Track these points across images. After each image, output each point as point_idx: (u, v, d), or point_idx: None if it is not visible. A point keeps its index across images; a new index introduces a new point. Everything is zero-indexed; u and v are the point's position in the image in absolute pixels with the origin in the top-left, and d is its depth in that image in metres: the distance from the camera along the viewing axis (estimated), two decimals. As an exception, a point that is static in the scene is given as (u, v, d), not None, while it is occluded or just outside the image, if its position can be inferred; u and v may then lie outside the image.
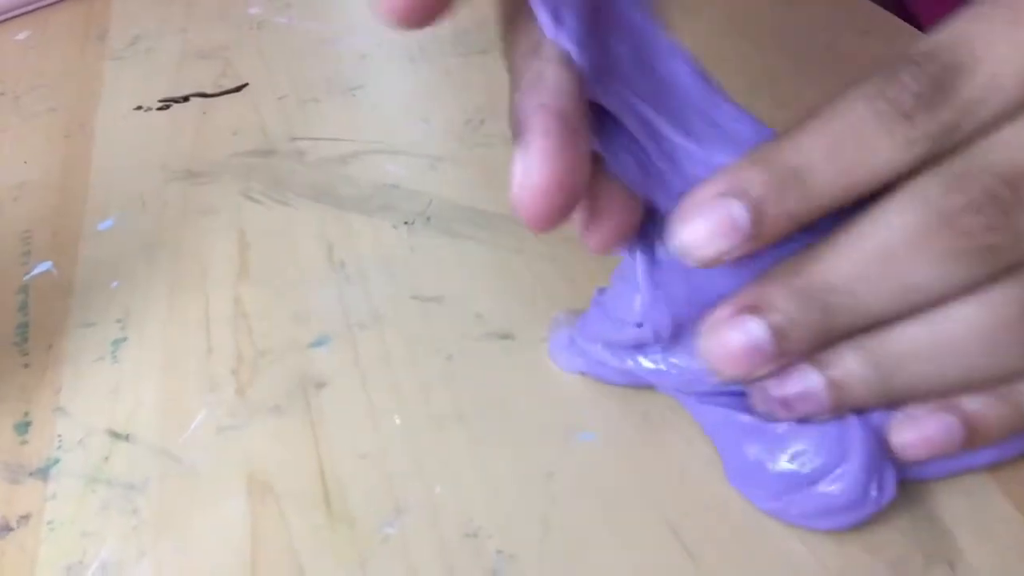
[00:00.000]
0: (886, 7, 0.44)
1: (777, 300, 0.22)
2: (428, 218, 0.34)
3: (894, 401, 0.23)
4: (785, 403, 0.23)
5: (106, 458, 0.27)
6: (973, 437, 0.22)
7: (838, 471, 0.23)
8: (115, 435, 0.27)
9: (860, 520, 0.23)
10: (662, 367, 0.25)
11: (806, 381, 0.23)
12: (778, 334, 0.22)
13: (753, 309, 0.22)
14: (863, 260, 0.21)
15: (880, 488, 0.23)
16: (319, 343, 0.29)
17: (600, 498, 0.24)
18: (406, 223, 0.34)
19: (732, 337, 0.22)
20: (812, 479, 0.23)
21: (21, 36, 0.48)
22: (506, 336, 0.29)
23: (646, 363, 0.26)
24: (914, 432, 0.23)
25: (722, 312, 0.22)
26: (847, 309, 0.21)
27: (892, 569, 0.22)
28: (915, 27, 0.42)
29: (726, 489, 0.24)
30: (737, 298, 0.22)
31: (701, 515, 0.24)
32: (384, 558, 0.23)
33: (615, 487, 0.25)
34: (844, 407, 0.23)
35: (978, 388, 0.22)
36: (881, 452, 0.23)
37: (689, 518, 0.24)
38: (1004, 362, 0.21)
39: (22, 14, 0.50)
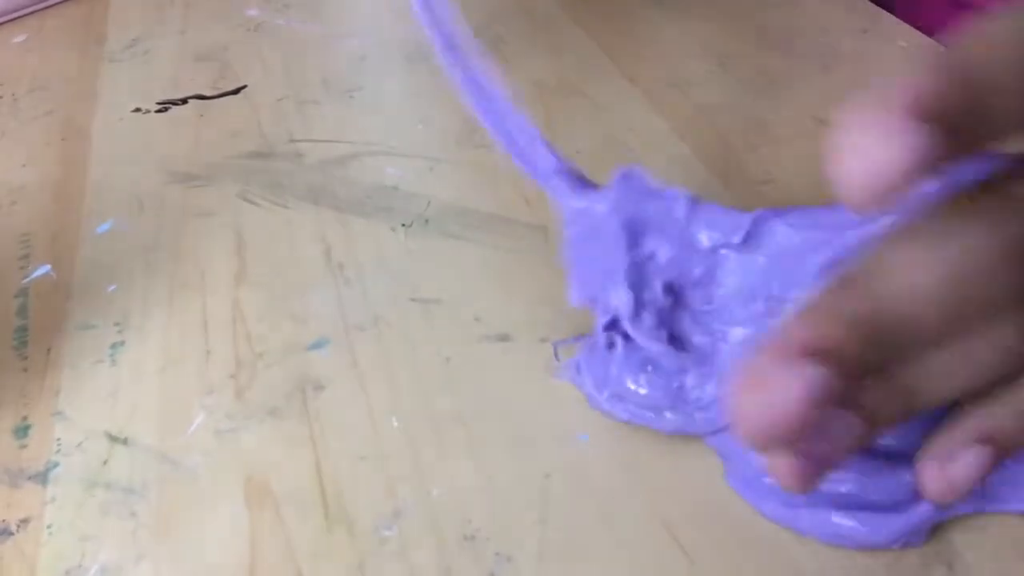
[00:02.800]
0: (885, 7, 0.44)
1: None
2: (426, 220, 0.34)
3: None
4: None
5: (105, 462, 0.27)
6: (1000, 456, 0.21)
7: (882, 516, 0.22)
8: (114, 438, 0.27)
9: (871, 551, 0.23)
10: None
11: None
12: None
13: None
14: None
15: (908, 542, 0.23)
16: (317, 345, 0.29)
17: (598, 499, 0.24)
18: (404, 225, 0.34)
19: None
20: (841, 504, 0.23)
21: (19, 39, 0.48)
22: (504, 338, 0.29)
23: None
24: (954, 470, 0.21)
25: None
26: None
27: (890, 570, 0.22)
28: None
29: (723, 490, 0.24)
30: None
31: (698, 516, 0.24)
32: (382, 560, 0.24)
33: (612, 488, 0.25)
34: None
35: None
36: (936, 512, 0.23)
37: (686, 519, 0.24)
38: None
39: (20, 17, 0.50)
